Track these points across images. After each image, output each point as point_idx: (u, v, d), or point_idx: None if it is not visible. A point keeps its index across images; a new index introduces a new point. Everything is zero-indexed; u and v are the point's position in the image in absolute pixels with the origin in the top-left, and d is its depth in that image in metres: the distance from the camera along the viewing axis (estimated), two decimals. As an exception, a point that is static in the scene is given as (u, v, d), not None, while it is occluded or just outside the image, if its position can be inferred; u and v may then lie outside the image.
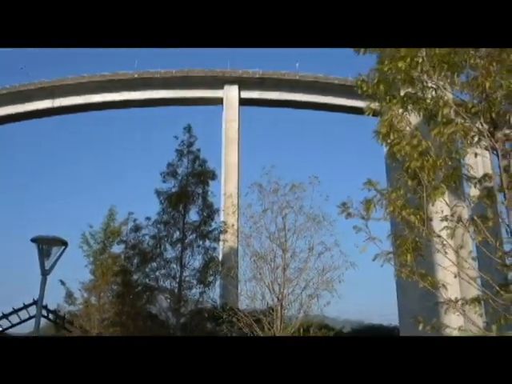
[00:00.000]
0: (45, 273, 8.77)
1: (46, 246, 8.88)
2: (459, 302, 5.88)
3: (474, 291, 6.12)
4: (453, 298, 5.94)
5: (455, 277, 5.94)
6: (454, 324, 7.16)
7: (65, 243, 9.03)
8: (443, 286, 5.96)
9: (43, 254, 8.80)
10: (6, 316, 33.11)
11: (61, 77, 53.06)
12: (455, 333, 6.94)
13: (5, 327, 33.80)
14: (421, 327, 6.00)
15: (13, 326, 33.96)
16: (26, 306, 32.80)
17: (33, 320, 23.85)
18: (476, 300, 5.86)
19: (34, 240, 8.82)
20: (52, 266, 8.89)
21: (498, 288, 5.59)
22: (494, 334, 6.02)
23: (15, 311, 33.09)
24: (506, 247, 5.74)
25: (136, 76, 52.32)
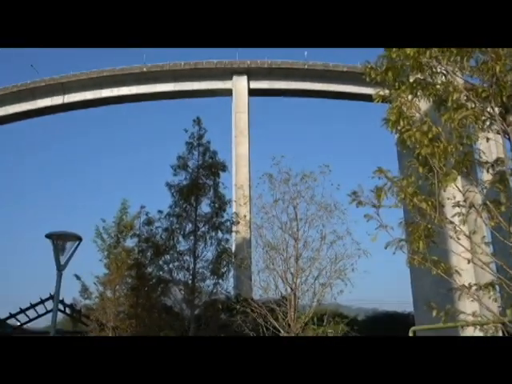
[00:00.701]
0: (60, 268, 8.87)
1: (61, 241, 8.97)
2: (473, 288, 5.86)
3: (488, 276, 6.09)
4: (466, 283, 5.91)
5: (468, 263, 5.91)
6: (469, 310, 7.14)
7: (79, 238, 9.11)
8: (456, 272, 5.94)
9: (58, 250, 8.89)
10: (23, 311, 33.53)
11: (70, 73, 53.36)
12: (469, 318, 6.93)
13: (23, 322, 34.25)
14: (434, 313, 6.00)
15: (30, 320, 34.41)
16: (42, 301, 33.21)
17: (50, 314, 24.12)
18: (490, 285, 5.84)
19: (48, 236, 8.90)
20: (67, 261, 8.98)
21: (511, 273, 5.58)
22: (508, 318, 6.01)
23: (32, 306, 33.49)
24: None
25: (145, 70, 52.45)
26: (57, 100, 54.43)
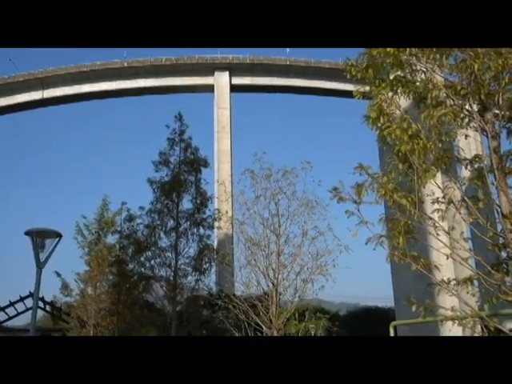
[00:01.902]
0: (40, 265, 8.77)
1: (40, 238, 8.86)
2: (452, 283, 5.93)
3: (466, 272, 6.17)
4: (446, 279, 5.98)
5: (447, 258, 5.98)
6: (448, 304, 7.23)
7: (59, 235, 9.02)
8: (436, 267, 6.00)
9: (37, 247, 8.78)
10: (2, 309, 33.16)
11: (49, 67, 52.64)
12: (448, 313, 7.01)
13: (2, 320, 33.87)
14: (414, 308, 6.05)
15: (10, 318, 34.04)
16: (22, 299, 32.87)
17: (30, 312, 23.90)
18: (468, 280, 5.91)
19: (27, 233, 8.80)
20: (47, 258, 8.88)
21: (489, 268, 5.64)
22: (486, 312, 6.08)
23: (11, 304, 33.14)
24: (498, 227, 5.77)
25: (125, 65, 51.95)
26: (36, 95, 53.70)
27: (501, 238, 5.60)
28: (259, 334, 8.76)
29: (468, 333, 6.65)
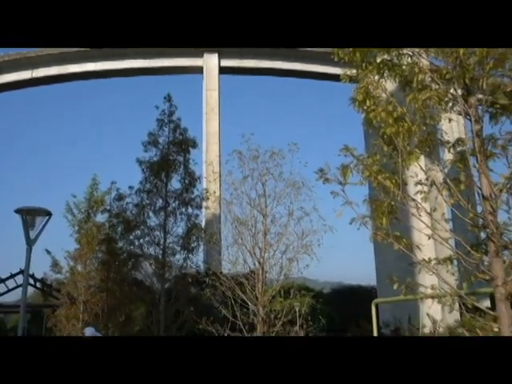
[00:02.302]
0: (29, 242, 8.73)
1: (30, 216, 8.81)
2: (432, 262, 5.99)
3: (446, 251, 6.23)
4: (426, 258, 6.03)
5: (429, 238, 6.03)
6: (428, 283, 7.32)
7: (48, 213, 8.96)
8: (417, 247, 6.05)
9: (27, 225, 8.74)
10: (-7, 285, 33.05)
11: (40, 48, 51.92)
12: (428, 291, 7.09)
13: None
14: (396, 286, 6.12)
15: (0, 294, 33.96)
16: (12, 276, 32.76)
17: (20, 288, 23.86)
18: (448, 260, 5.98)
19: (17, 211, 8.73)
20: (37, 236, 8.84)
21: (469, 248, 5.70)
22: (464, 291, 6.17)
23: (2, 280, 33.03)
24: (478, 209, 5.82)
25: (115, 45, 50.96)
26: (25, 75, 53.00)
27: (480, 220, 5.64)
28: (245, 311, 8.81)
29: (446, 310, 6.73)
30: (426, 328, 17.49)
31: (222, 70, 52.22)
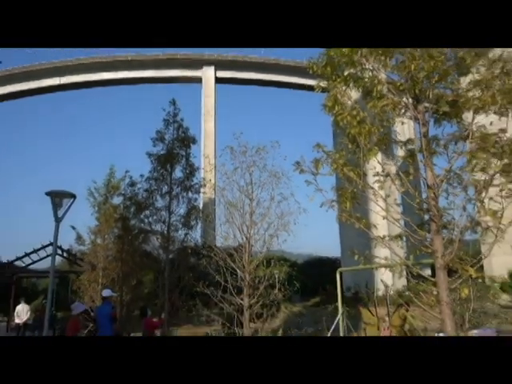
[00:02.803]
0: (57, 220, 8.70)
1: (58, 198, 8.77)
2: (386, 238, 6.03)
3: (397, 230, 6.29)
4: (381, 235, 6.08)
5: (383, 219, 6.08)
6: (382, 255, 7.38)
7: (73, 196, 8.90)
8: (374, 226, 6.09)
9: (56, 205, 8.70)
10: (27, 254, 32.79)
11: (67, 58, 51.36)
12: (382, 261, 7.16)
13: (27, 263, 33.49)
14: (356, 258, 6.17)
15: (34, 262, 33.70)
16: (43, 247, 32.47)
17: (50, 258, 23.70)
18: (398, 236, 6.03)
19: (48, 193, 8.70)
20: (63, 215, 8.80)
21: (415, 227, 5.76)
22: (411, 262, 6.23)
23: (35, 251, 32.75)
24: (423, 195, 5.87)
25: (130, 59, 50.89)
26: (54, 81, 52.41)
27: (425, 204, 5.69)
28: (234, 277, 8.83)
29: (396, 277, 6.81)
30: (380, 291, 17.70)
31: (218, 80, 52.21)
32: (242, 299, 8.57)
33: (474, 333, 13.98)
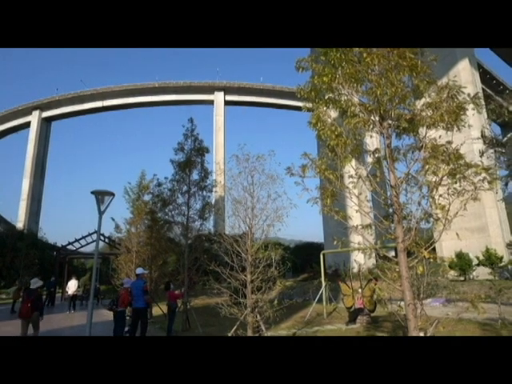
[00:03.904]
0: (100, 213, 8.72)
1: (101, 196, 8.79)
2: (359, 227, 6.04)
3: (368, 221, 6.29)
4: (355, 225, 6.08)
5: (357, 212, 6.08)
6: (356, 241, 7.39)
7: (112, 194, 8.91)
8: (349, 217, 6.11)
9: (99, 201, 8.72)
10: (77, 240, 32.92)
11: (107, 85, 51.48)
12: (356, 246, 7.17)
13: (78, 247, 33.61)
14: (335, 243, 6.18)
15: (82, 246, 33.85)
16: (90, 234, 32.67)
17: (95, 243, 23.76)
18: (369, 226, 6.05)
19: (92, 192, 8.73)
20: (105, 209, 8.82)
21: (382, 218, 5.77)
22: (378, 246, 6.24)
23: (83, 237, 32.96)
24: (388, 193, 5.88)
25: (157, 85, 50.83)
26: (97, 104, 52.39)
27: (389, 200, 5.71)
28: (239, 258, 8.84)
29: (367, 258, 6.83)
30: (354, 269, 17.68)
31: (226, 103, 52.27)
32: (245, 276, 8.57)
33: (428, 301, 14.01)
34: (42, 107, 54.26)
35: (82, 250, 34.36)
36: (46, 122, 55.99)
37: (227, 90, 51.44)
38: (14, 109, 55.59)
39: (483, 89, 37.85)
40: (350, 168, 6.16)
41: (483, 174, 5.16)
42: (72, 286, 21.43)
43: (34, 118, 54.50)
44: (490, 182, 5.11)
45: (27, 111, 55.18)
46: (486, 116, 25.96)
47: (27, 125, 55.55)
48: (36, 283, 9.52)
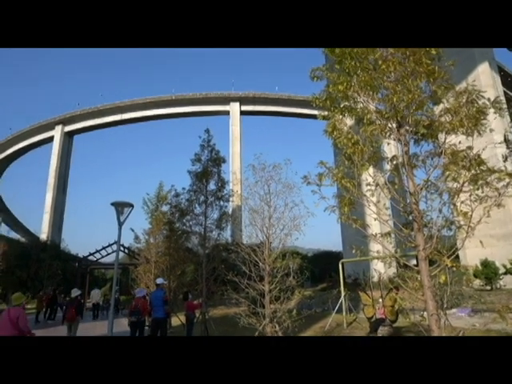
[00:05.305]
0: (120, 224, 8.86)
1: (120, 207, 8.94)
2: (378, 236, 5.96)
3: (387, 229, 6.19)
4: (374, 233, 6.01)
5: (375, 220, 6.00)
6: (375, 249, 7.26)
7: (131, 205, 9.07)
8: (368, 226, 6.03)
9: (119, 212, 8.87)
10: (98, 251, 33.54)
11: (126, 99, 52.79)
12: (375, 254, 7.05)
13: (98, 257, 34.18)
14: (354, 251, 6.11)
15: (103, 257, 34.41)
16: (110, 245, 33.23)
17: (115, 253, 24.21)
18: (388, 234, 5.95)
19: (112, 204, 8.89)
20: (124, 220, 8.96)
21: (401, 226, 5.68)
22: (399, 254, 6.12)
23: (104, 248, 33.53)
24: (407, 201, 5.79)
25: (173, 98, 51.76)
26: (116, 117, 53.72)
27: (408, 208, 5.62)
28: (257, 267, 8.82)
29: (387, 267, 6.69)
30: (374, 278, 17.34)
31: (242, 113, 52.70)
32: (263, 285, 8.53)
33: (453, 311, 13.56)
34: (65, 122, 56.18)
35: (102, 260, 35.00)
36: (68, 137, 57.87)
37: (243, 101, 51.94)
38: (38, 124, 57.74)
39: (505, 92, 36.93)
40: (368, 176, 6.10)
41: (507, 180, 5.02)
42: (95, 295, 21.90)
43: (56, 133, 56.44)
44: (514, 188, 4.96)
45: (50, 126, 57.22)
46: (509, 120, 25.25)
47: (50, 139, 57.53)
48: (76, 292, 11.09)
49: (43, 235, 50.17)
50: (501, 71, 36.80)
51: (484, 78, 28.27)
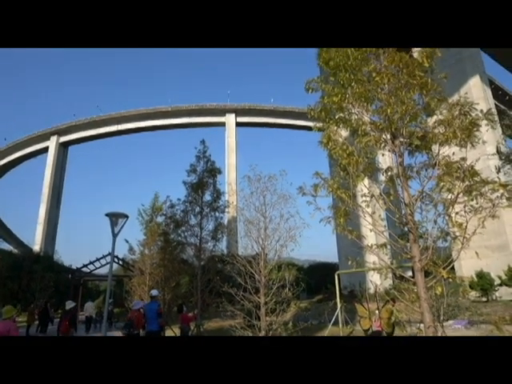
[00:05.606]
0: (114, 235, 8.73)
1: (115, 218, 8.82)
2: (373, 247, 5.93)
3: (382, 240, 6.18)
4: (369, 244, 5.98)
5: (371, 231, 5.99)
6: (371, 260, 7.24)
7: (126, 216, 8.96)
8: (364, 237, 6.01)
9: (113, 223, 8.75)
10: (92, 262, 33.16)
11: (122, 110, 52.87)
12: (371, 265, 7.02)
13: (92, 269, 33.78)
14: (350, 263, 6.07)
15: (96, 268, 33.99)
16: (104, 256, 32.84)
17: (109, 265, 23.97)
18: (383, 245, 5.93)
19: (107, 215, 8.77)
20: (119, 231, 8.84)
21: (397, 237, 5.66)
22: (394, 265, 6.10)
23: (97, 259, 33.13)
24: (402, 212, 5.79)
25: (170, 109, 51.98)
26: (113, 128, 53.78)
27: (404, 219, 5.61)
28: (253, 279, 8.74)
29: (383, 278, 6.65)
30: (370, 290, 17.27)
31: (238, 124, 52.99)
32: (259, 297, 8.45)
33: (450, 323, 13.48)
34: (60, 132, 56.08)
35: (96, 272, 34.54)
36: (63, 147, 57.70)
37: (238, 112, 52.27)
38: (34, 134, 57.57)
39: (496, 105, 37.55)
40: (363, 187, 6.11)
41: (501, 191, 5.05)
42: (89, 307, 21.57)
43: (51, 143, 56.25)
44: (508, 199, 4.99)
45: (46, 137, 57.06)
46: (501, 132, 25.62)
47: (45, 150, 57.31)
48: (70, 304, 10.99)
49: (36, 246, 49.52)
50: (491, 84, 37.50)
51: (475, 91, 28.77)
